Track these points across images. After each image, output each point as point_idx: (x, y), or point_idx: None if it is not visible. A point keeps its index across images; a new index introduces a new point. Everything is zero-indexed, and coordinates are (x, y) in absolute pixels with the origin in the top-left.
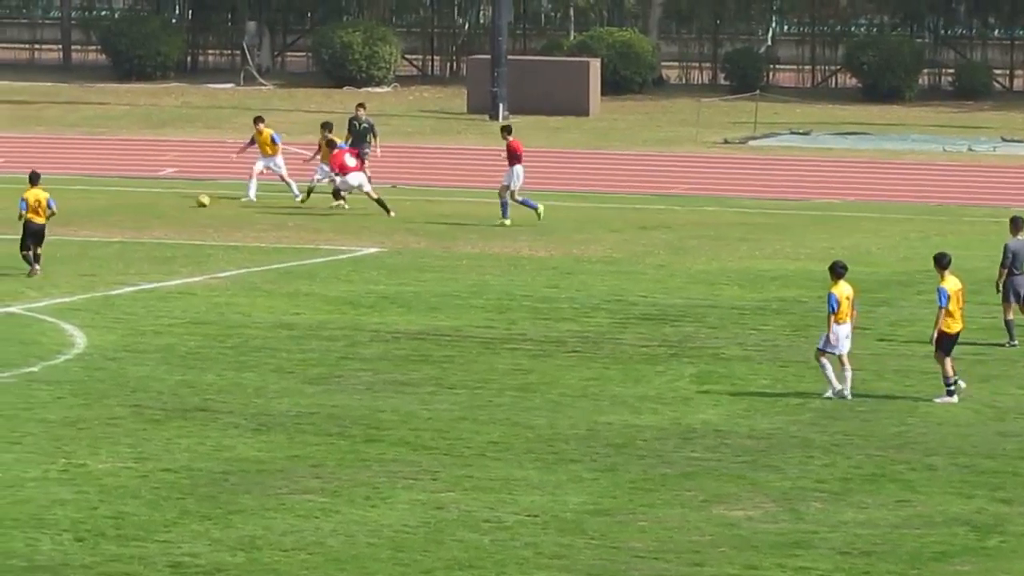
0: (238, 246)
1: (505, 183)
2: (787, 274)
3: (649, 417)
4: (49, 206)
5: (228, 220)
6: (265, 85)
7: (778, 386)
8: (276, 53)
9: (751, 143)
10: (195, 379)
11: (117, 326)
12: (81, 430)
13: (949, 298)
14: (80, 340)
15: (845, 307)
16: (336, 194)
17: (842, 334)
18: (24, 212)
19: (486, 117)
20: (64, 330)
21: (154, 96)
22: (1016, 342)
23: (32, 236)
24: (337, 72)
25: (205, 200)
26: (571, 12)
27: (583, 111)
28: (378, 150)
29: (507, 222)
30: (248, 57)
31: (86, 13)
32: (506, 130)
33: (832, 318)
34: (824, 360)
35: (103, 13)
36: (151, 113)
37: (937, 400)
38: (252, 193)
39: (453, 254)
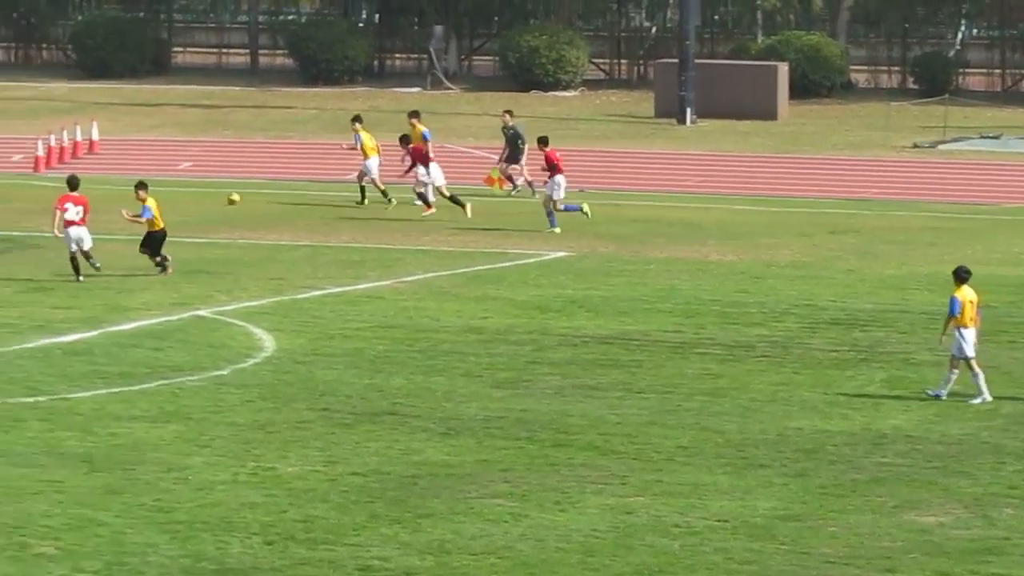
0: (426, 250)
1: (548, 193)
2: (977, 279)
3: (839, 422)
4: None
5: (416, 224)
6: (452, 89)
7: (969, 391)
8: (463, 57)
9: (941, 147)
10: (383, 383)
11: (305, 330)
12: (270, 433)
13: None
14: (269, 343)
15: (969, 311)
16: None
17: (969, 339)
18: (152, 219)
19: (673, 121)
20: (253, 333)
21: (341, 100)
22: None
23: (160, 242)
24: (524, 76)
25: (236, 197)
26: (758, 16)
27: (771, 115)
28: (522, 158)
29: (557, 230)
30: (435, 61)
31: (273, 17)
32: (542, 141)
33: (952, 321)
34: (955, 367)
35: (290, 17)
36: (338, 117)
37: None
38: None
39: (641, 258)
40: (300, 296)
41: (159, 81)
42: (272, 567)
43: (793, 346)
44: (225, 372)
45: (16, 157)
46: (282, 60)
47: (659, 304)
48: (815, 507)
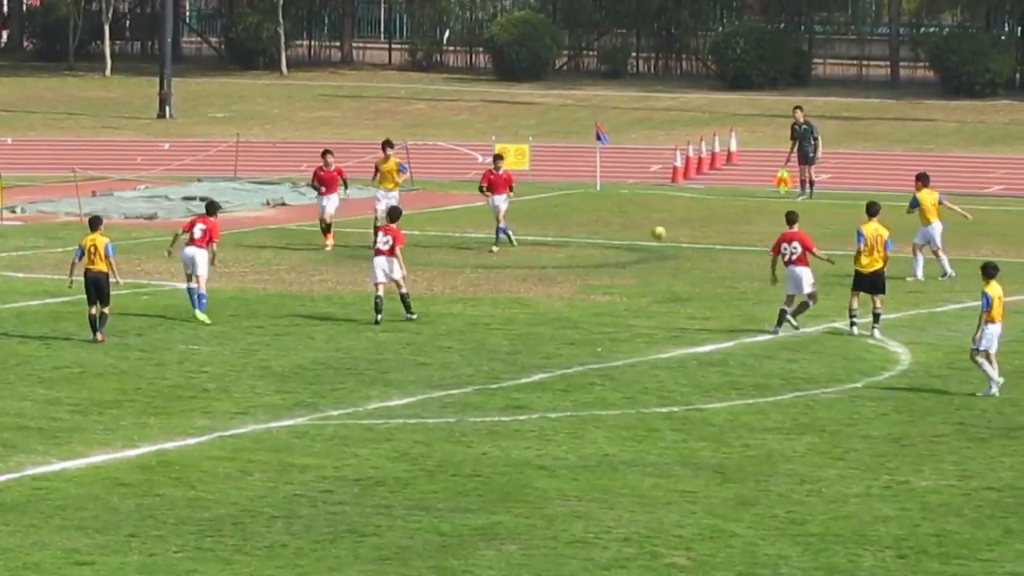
0: None
1: None
2: None
3: None
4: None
5: None
6: None
7: None
8: None
9: None
10: (1020, 397)
11: (942, 343)
12: (904, 447)
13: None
14: (904, 357)
15: (997, 306)
16: None
17: (995, 333)
18: (77, 260)
19: None
20: (888, 347)
21: (981, 113)
22: None
23: (94, 287)
24: None
25: (660, 231)
26: None
27: None
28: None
29: None
30: None
31: (914, 30)
32: None
33: (984, 316)
34: (980, 359)
35: (931, 30)
36: (979, 131)
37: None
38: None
39: None
40: (936, 309)
41: (798, 92)
42: None
43: None
44: (859, 385)
45: (654, 167)
46: (923, 72)
47: None
48: None
